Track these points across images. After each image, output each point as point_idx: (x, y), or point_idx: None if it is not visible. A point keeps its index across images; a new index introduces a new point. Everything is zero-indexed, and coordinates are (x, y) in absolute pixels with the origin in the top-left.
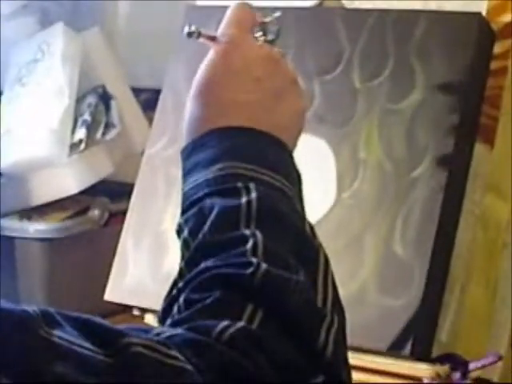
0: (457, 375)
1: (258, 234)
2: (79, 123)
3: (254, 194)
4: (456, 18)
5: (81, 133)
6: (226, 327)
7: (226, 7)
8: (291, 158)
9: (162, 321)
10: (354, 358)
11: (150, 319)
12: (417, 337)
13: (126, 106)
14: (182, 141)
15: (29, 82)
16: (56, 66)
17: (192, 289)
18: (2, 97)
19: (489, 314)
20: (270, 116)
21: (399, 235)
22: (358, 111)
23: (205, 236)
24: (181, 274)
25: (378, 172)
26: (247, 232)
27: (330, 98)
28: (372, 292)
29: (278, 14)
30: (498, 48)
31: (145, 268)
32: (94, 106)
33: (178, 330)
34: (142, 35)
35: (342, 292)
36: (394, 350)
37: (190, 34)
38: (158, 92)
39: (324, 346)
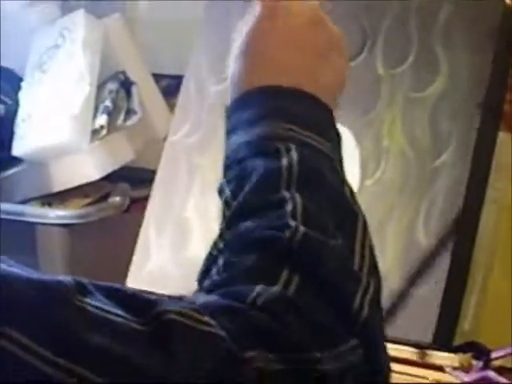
0: (479, 364)
1: (298, 197)
2: (100, 109)
3: (294, 156)
4: (480, 4)
5: (102, 119)
6: (261, 292)
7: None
8: (332, 119)
9: (200, 281)
10: None
11: None
12: (439, 325)
13: (147, 93)
14: (228, 98)
15: (50, 69)
16: (77, 53)
17: (231, 251)
18: (23, 83)
19: (511, 302)
20: (313, 76)
21: (422, 224)
22: (382, 99)
23: (245, 198)
24: (221, 235)
25: (401, 160)
26: (287, 194)
27: (353, 85)
28: (395, 280)
29: None
30: None
31: (168, 254)
32: (115, 93)
33: (212, 297)
34: (163, 21)
35: None
36: (416, 338)
37: None
38: (179, 78)
39: (359, 310)
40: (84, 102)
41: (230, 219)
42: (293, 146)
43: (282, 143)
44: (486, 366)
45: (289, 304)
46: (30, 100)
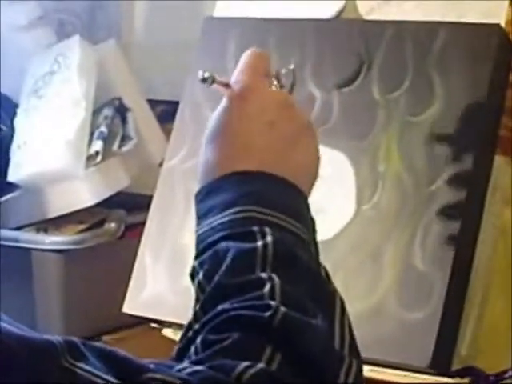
0: None
1: (275, 278)
2: (95, 135)
3: (269, 238)
4: (475, 29)
5: (97, 145)
6: (247, 368)
7: (242, 19)
8: (306, 202)
9: (178, 361)
10: (373, 372)
11: (168, 333)
12: (436, 350)
13: (142, 118)
14: (197, 184)
15: (45, 94)
16: (72, 79)
17: (209, 330)
18: (19, 109)
19: (509, 327)
20: (284, 161)
21: (419, 248)
22: (378, 124)
23: (220, 279)
24: (196, 317)
25: (397, 185)
26: (264, 275)
27: (349, 110)
28: (392, 305)
29: (292, 66)
30: None
31: (164, 281)
32: (110, 119)
33: (200, 367)
34: (158, 47)
35: (361, 305)
36: (413, 363)
37: (204, 80)
38: (174, 104)
39: None
40: (79, 127)
41: (206, 302)
42: (267, 229)
43: (255, 226)
44: None
45: (274, 380)
46: (25, 126)
